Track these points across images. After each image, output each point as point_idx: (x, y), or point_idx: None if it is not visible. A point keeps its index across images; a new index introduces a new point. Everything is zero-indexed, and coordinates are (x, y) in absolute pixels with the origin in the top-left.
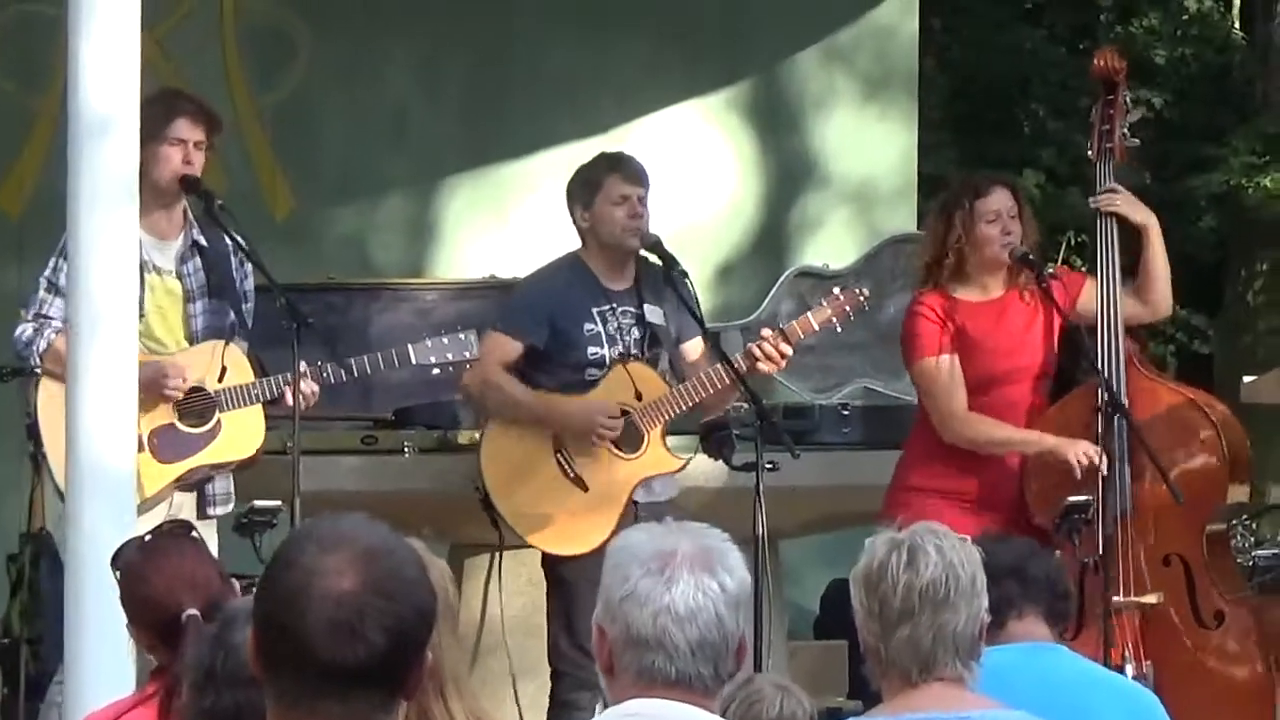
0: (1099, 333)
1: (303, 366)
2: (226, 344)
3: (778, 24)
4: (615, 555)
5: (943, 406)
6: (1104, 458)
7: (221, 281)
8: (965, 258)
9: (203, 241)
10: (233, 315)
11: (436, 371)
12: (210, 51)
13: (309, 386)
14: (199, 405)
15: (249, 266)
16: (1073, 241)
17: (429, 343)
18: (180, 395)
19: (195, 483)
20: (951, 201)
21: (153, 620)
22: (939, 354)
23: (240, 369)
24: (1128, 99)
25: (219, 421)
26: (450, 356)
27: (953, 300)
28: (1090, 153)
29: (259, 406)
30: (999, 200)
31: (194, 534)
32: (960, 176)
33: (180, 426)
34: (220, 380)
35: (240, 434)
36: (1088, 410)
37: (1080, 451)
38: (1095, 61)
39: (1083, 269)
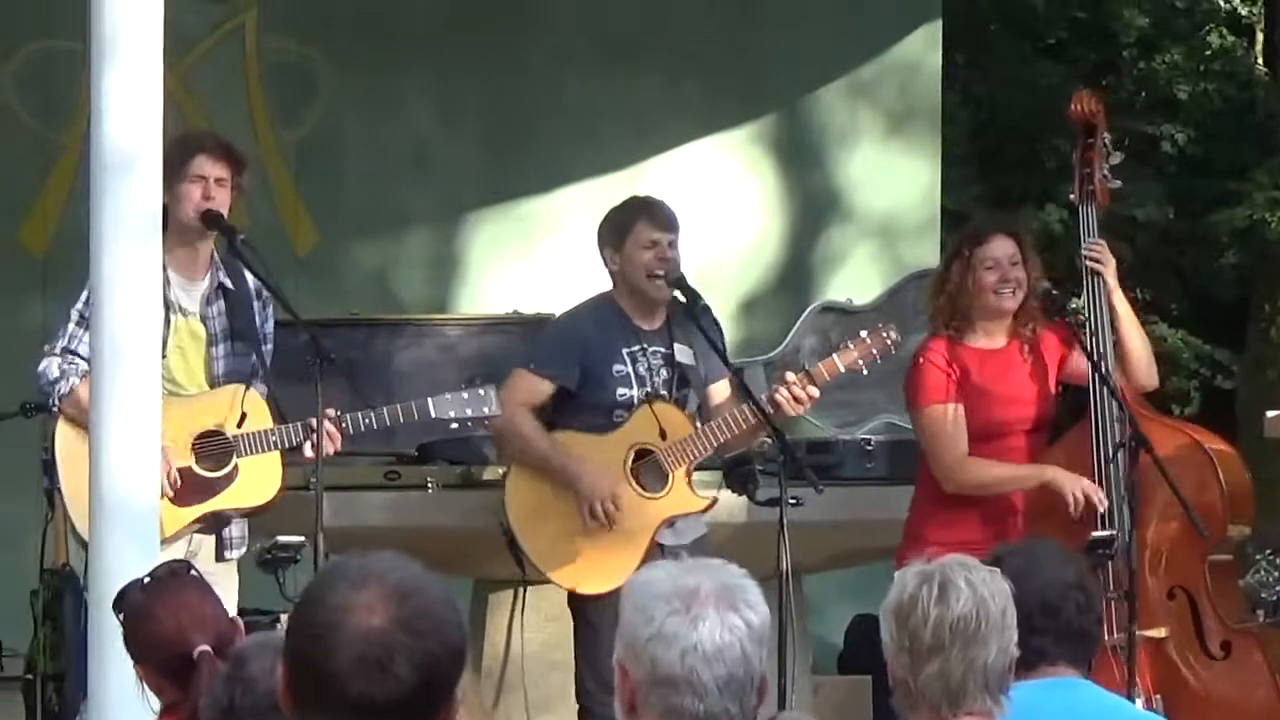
0: (1091, 372)
1: (328, 412)
2: (247, 389)
3: (800, 58)
4: (635, 594)
5: (944, 456)
6: (1100, 497)
7: (244, 325)
8: (967, 304)
9: (228, 284)
10: (254, 359)
11: (454, 426)
12: (233, 87)
13: (330, 432)
14: (217, 449)
15: (270, 309)
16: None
17: (449, 396)
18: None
19: (212, 526)
20: (953, 248)
21: (163, 659)
22: (944, 402)
23: (259, 414)
24: (1108, 141)
25: (236, 466)
26: (469, 412)
27: (959, 347)
28: (1072, 196)
29: (277, 454)
30: (998, 248)
31: (194, 573)
32: (972, 222)
33: (198, 470)
34: (240, 425)
35: (257, 480)
36: (1090, 448)
37: (1079, 489)
38: (1072, 106)
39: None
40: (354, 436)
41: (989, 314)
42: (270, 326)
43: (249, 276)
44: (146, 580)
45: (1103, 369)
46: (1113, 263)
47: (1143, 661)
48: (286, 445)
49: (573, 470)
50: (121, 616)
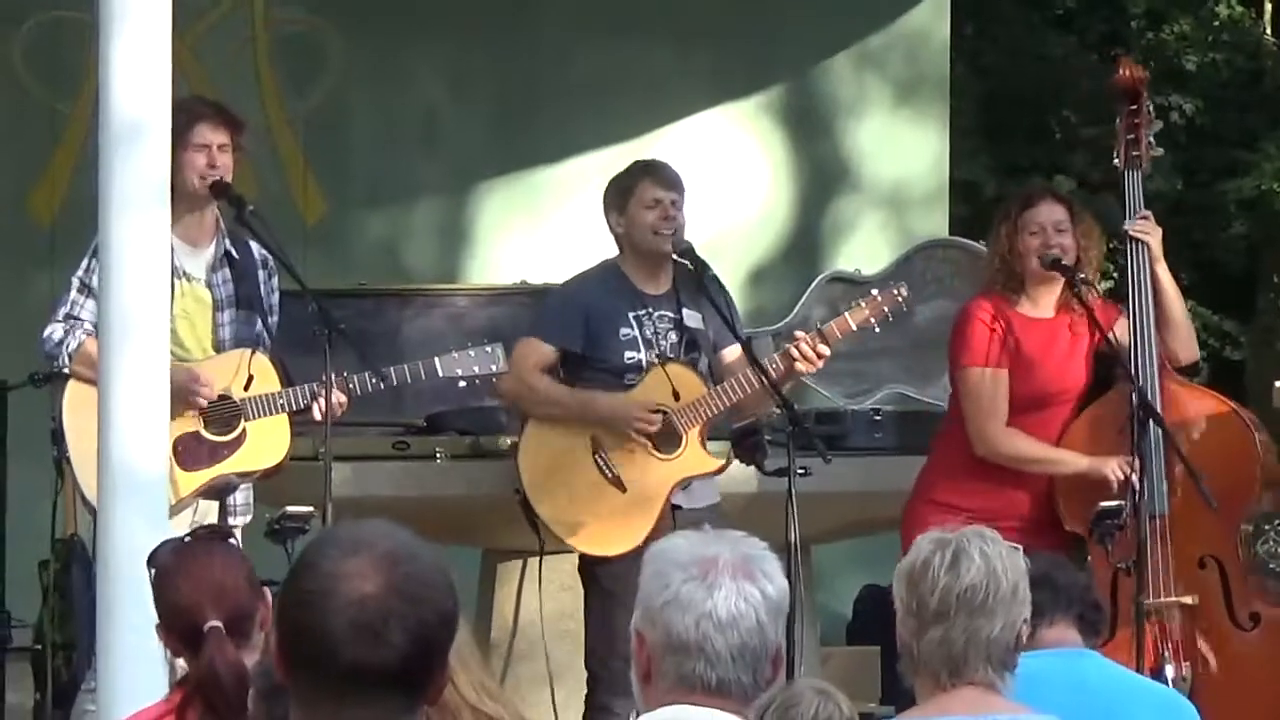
0: (1131, 339)
1: (334, 376)
2: (253, 352)
3: (809, 29)
4: (654, 561)
5: (983, 419)
6: (1134, 465)
7: (250, 293)
8: (1015, 269)
9: (233, 252)
10: (259, 326)
11: (463, 384)
12: (242, 57)
13: (337, 396)
14: (225, 413)
15: (275, 280)
16: (1105, 247)
17: (455, 355)
18: (206, 402)
19: (219, 491)
20: (1002, 212)
21: (176, 626)
22: (987, 365)
23: (267, 378)
24: (1151, 108)
25: (244, 430)
26: (477, 370)
27: (1010, 311)
28: (1117, 162)
29: (285, 416)
30: (1045, 213)
31: (230, 540)
32: (1024, 186)
33: (206, 434)
34: (247, 389)
35: (266, 443)
36: (1122, 414)
37: (1114, 466)
38: (1119, 72)
39: (1114, 276)
40: (363, 399)
41: (1034, 280)
42: (276, 297)
43: (254, 246)
44: (181, 541)
45: (1142, 338)
46: (1158, 233)
47: (1171, 630)
48: (294, 407)
49: (596, 407)
50: (151, 573)
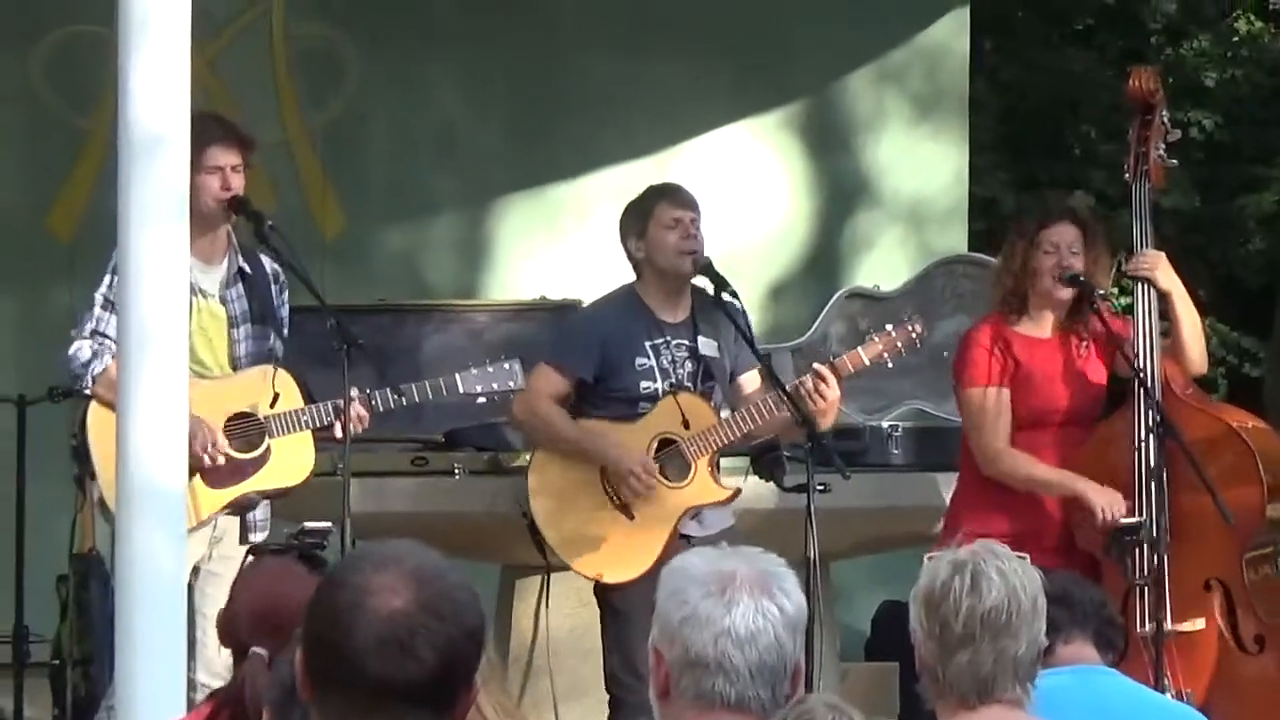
0: (1135, 358)
1: (353, 392)
2: (276, 369)
3: (828, 44)
4: (671, 579)
5: (984, 439)
6: (1149, 487)
7: (263, 308)
8: (1023, 286)
9: (246, 268)
10: (272, 340)
11: (482, 400)
12: (261, 71)
13: (359, 411)
14: (249, 430)
15: (285, 295)
16: (1122, 264)
17: (475, 372)
18: (209, 461)
19: (240, 508)
20: (1019, 228)
21: (228, 639)
22: (988, 384)
23: (291, 395)
24: (1165, 120)
25: (269, 448)
26: (495, 386)
27: (1010, 332)
28: (1127, 174)
29: (309, 434)
30: (1060, 233)
31: (306, 568)
32: (1042, 204)
33: (231, 452)
34: (272, 406)
35: (290, 461)
36: (1131, 430)
37: (1105, 503)
38: (1130, 83)
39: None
40: (383, 414)
41: (1043, 299)
42: (285, 311)
43: (265, 259)
44: (268, 552)
45: (1144, 370)
46: (1160, 264)
47: (1176, 654)
48: (317, 425)
49: (599, 447)
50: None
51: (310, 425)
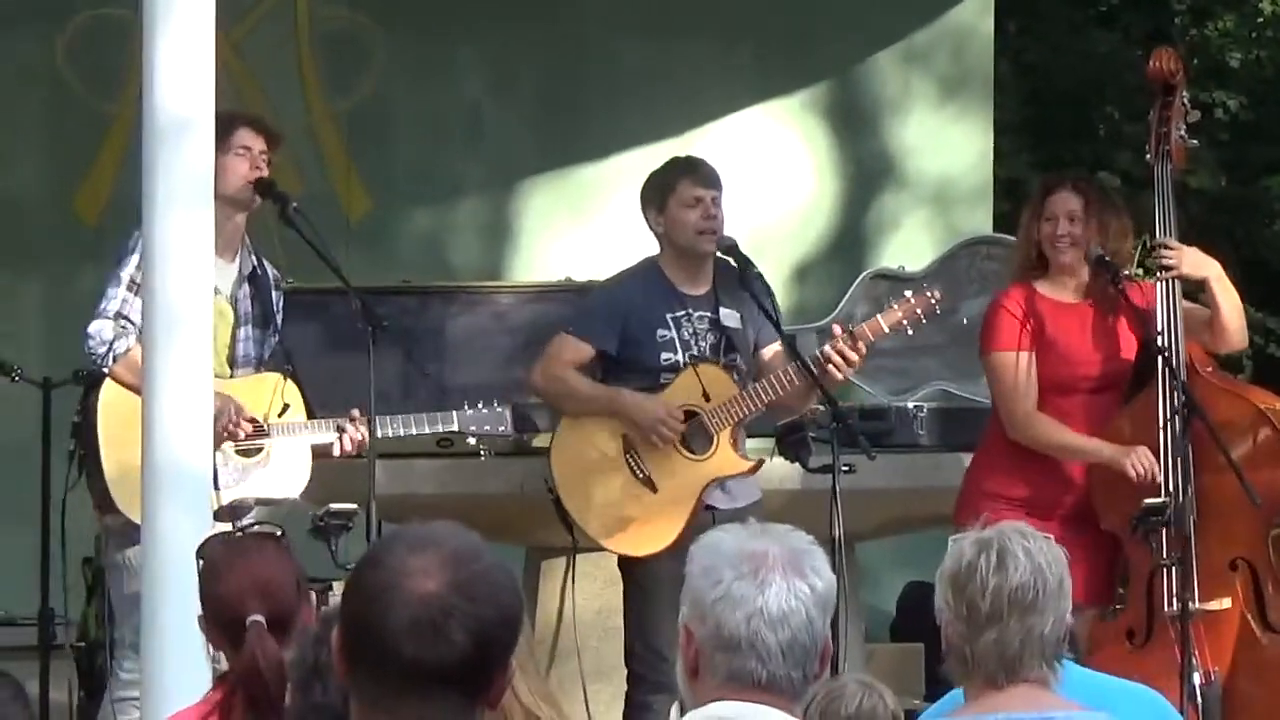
0: (1160, 337)
1: (353, 411)
2: (286, 379)
3: (853, 26)
4: (702, 557)
5: (1010, 403)
6: (1175, 462)
7: (266, 311)
8: (1032, 254)
9: (258, 269)
10: (269, 346)
11: (471, 441)
12: (285, 55)
13: (356, 433)
14: (254, 436)
15: (282, 300)
16: (1148, 244)
17: (469, 412)
18: (239, 435)
19: (232, 513)
20: (1031, 198)
21: (218, 618)
22: (1015, 349)
23: (297, 407)
24: (1186, 101)
25: (269, 456)
26: (487, 429)
27: (1037, 297)
28: (1148, 155)
29: (308, 447)
30: (1060, 202)
31: (281, 540)
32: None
33: (232, 456)
34: (280, 416)
35: (288, 472)
36: (1156, 412)
37: (1135, 459)
38: (1151, 63)
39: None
40: (399, 405)
41: (1058, 266)
42: (280, 318)
43: (268, 264)
44: (232, 535)
45: (1168, 353)
46: (1184, 259)
47: (1203, 634)
48: (319, 443)
49: (621, 402)
50: (199, 564)
51: (313, 440)
